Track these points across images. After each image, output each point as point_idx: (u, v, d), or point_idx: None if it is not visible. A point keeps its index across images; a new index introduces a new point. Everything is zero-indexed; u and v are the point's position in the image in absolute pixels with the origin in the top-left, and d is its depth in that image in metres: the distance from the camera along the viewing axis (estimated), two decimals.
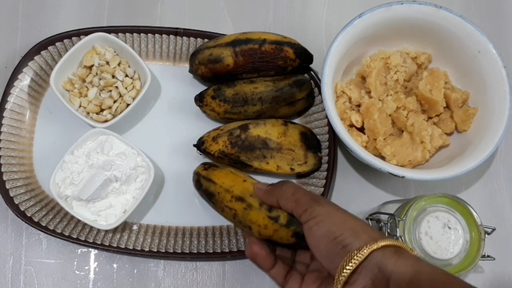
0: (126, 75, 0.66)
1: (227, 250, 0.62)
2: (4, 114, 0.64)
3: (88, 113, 0.65)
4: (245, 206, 0.56)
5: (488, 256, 0.53)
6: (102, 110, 0.65)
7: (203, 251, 0.62)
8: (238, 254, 0.62)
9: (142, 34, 0.68)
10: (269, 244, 0.53)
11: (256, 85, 0.64)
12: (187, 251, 0.62)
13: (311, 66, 0.67)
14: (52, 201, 0.64)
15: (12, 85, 0.65)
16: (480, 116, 0.64)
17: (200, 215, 0.64)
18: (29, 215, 0.61)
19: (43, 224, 0.61)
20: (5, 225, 0.64)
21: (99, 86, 0.65)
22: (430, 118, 0.65)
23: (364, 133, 0.64)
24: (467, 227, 0.52)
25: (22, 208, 0.61)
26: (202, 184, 0.60)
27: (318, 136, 0.66)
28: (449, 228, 0.52)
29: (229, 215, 0.58)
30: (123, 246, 0.61)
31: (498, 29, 0.75)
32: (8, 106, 0.65)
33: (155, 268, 0.63)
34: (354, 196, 0.67)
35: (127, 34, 0.68)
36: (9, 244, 0.63)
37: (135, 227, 0.63)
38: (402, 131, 0.64)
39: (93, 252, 0.63)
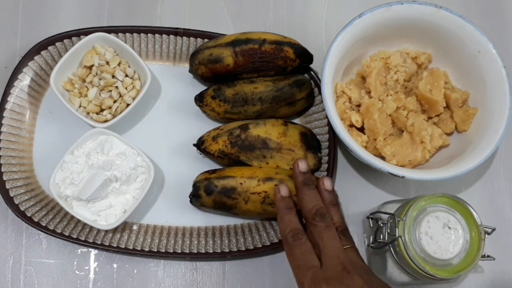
0: (126, 75, 0.66)
1: (227, 250, 0.62)
2: (4, 114, 0.64)
3: (88, 113, 0.65)
4: (276, 183, 0.59)
5: (488, 256, 0.53)
6: (102, 110, 0.65)
7: (203, 251, 0.62)
8: (238, 254, 0.62)
9: (142, 34, 0.68)
10: None
11: (256, 85, 0.64)
12: (187, 251, 0.62)
13: (311, 66, 0.67)
14: (52, 201, 0.64)
15: (12, 85, 0.65)
16: (480, 116, 0.64)
17: (200, 215, 0.64)
18: (29, 215, 0.61)
19: (43, 224, 0.61)
20: (5, 225, 0.64)
21: (99, 86, 0.65)
22: (430, 118, 0.65)
23: (364, 133, 0.64)
24: (467, 227, 0.52)
25: (22, 208, 0.61)
26: (217, 185, 0.60)
27: (318, 136, 0.66)
28: (449, 228, 0.52)
29: (256, 202, 0.59)
30: (123, 246, 0.61)
31: (498, 29, 0.75)
32: (8, 106, 0.65)
33: (155, 268, 0.63)
34: (354, 196, 0.67)
35: (127, 34, 0.68)
36: (9, 244, 0.63)
37: (135, 227, 0.63)
38: (402, 131, 0.64)
39: (93, 252, 0.63)
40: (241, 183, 0.59)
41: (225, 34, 0.66)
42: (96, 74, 0.65)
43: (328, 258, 0.51)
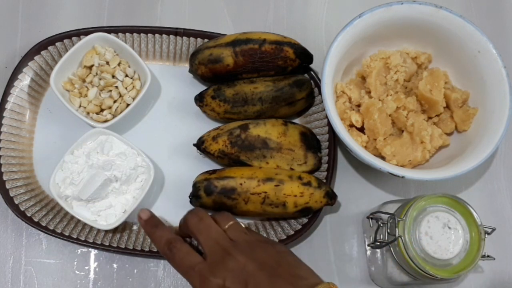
0: (126, 75, 0.66)
1: None
2: (4, 114, 0.64)
3: (88, 113, 0.65)
4: (276, 184, 0.59)
5: (488, 256, 0.53)
6: (102, 110, 0.65)
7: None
8: None
9: (142, 34, 0.68)
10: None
11: (256, 85, 0.64)
12: None
13: (311, 66, 0.67)
14: (52, 201, 0.64)
15: (12, 85, 0.65)
16: (480, 116, 0.64)
17: None
18: (29, 215, 0.61)
19: (43, 224, 0.61)
20: (5, 225, 0.64)
21: (99, 86, 0.65)
22: (430, 118, 0.65)
23: (364, 133, 0.64)
24: (467, 227, 0.52)
25: (22, 208, 0.61)
26: (217, 186, 0.59)
27: (318, 136, 0.66)
28: (449, 228, 0.52)
29: (256, 203, 0.59)
30: (123, 246, 0.61)
31: (498, 29, 0.75)
32: (8, 106, 0.65)
33: (155, 268, 0.63)
34: (354, 196, 0.67)
35: (127, 34, 0.68)
36: (9, 244, 0.63)
37: (135, 227, 0.63)
38: (402, 131, 0.64)
39: (93, 252, 0.63)
40: (241, 184, 0.59)
41: (225, 34, 0.66)
42: (96, 74, 0.65)
43: (208, 248, 0.50)
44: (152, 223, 0.56)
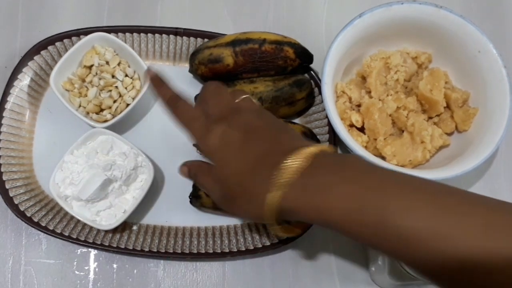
0: (126, 75, 0.66)
1: (227, 250, 0.62)
2: (4, 114, 0.64)
3: (88, 113, 0.65)
4: None
5: None
6: (102, 110, 0.65)
7: (203, 251, 0.62)
8: (238, 254, 0.62)
9: (142, 34, 0.68)
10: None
11: (256, 85, 0.64)
12: (187, 251, 0.62)
13: (311, 66, 0.67)
14: (52, 201, 0.64)
15: (11, 85, 0.65)
16: (480, 116, 0.64)
17: (200, 215, 0.64)
18: (28, 215, 0.61)
19: (43, 224, 0.61)
20: (4, 225, 0.64)
21: (99, 86, 0.65)
22: (430, 118, 0.65)
23: (364, 133, 0.64)
24: None
25: (21, 208, 0.61)
26: None
27: (318, 136, 0.66)
28: None
29: None
30: (123, 246, 0.61)
31: (498, 29, 0.75)
32: (7, 106, 0.65)
33: (155, 268, 0.63)
34: None
35: (127, 34, 0.68)
36: (9, 244, 0.63)
37: (135, 227, 0.63)
38: (403, 131, 0.64)
39: (93, 252, 0.63)
40: None
41: (225, 34, 0.66)
42: (96, 74, 0.65)
43: (217, 110, 0.50)
44: (160, 79, 0.55)
